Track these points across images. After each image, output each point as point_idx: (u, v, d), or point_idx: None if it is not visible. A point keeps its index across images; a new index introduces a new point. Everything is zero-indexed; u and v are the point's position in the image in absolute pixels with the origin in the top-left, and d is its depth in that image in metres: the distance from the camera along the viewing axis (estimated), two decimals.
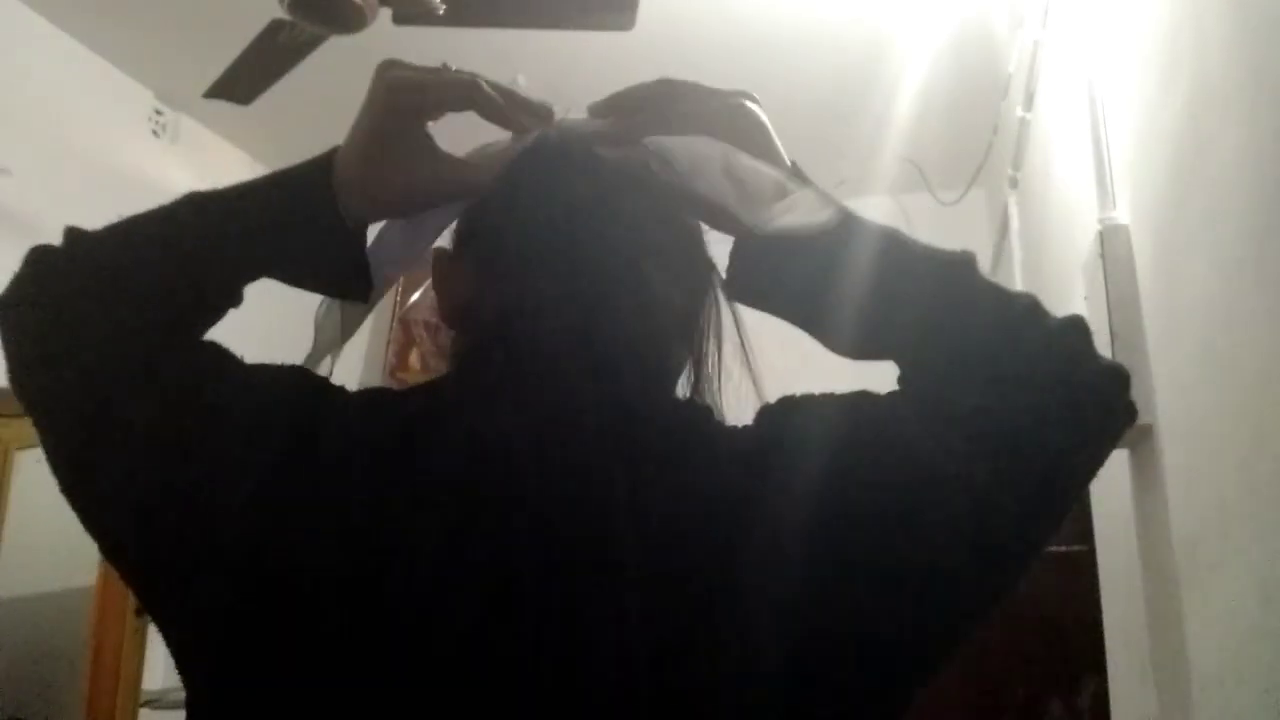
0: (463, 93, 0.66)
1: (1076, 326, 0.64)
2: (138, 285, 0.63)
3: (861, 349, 0.66)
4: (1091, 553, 1.92)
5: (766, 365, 0.72)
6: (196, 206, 0.65)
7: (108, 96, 3.26)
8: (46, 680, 2.73)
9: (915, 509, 0.56)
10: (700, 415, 0.64)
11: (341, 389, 0.62)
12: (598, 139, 0.69)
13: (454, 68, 0.67)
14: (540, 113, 0.69)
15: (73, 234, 0.64)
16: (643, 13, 2.33)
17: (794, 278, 0.65)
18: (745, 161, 0.65)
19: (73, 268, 0.63)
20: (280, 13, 2.17)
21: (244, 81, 2.51)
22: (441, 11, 2.25)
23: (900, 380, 0.65)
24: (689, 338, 0.70)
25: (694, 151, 0.66)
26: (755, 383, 0.70)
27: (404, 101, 0.65)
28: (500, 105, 0.67)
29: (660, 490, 0.57)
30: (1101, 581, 1.90)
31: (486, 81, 0.67)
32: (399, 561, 0.53)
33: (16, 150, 2.84)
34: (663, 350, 0.66)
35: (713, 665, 0.53)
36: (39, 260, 0.63)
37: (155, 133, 3.41)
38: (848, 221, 0.65)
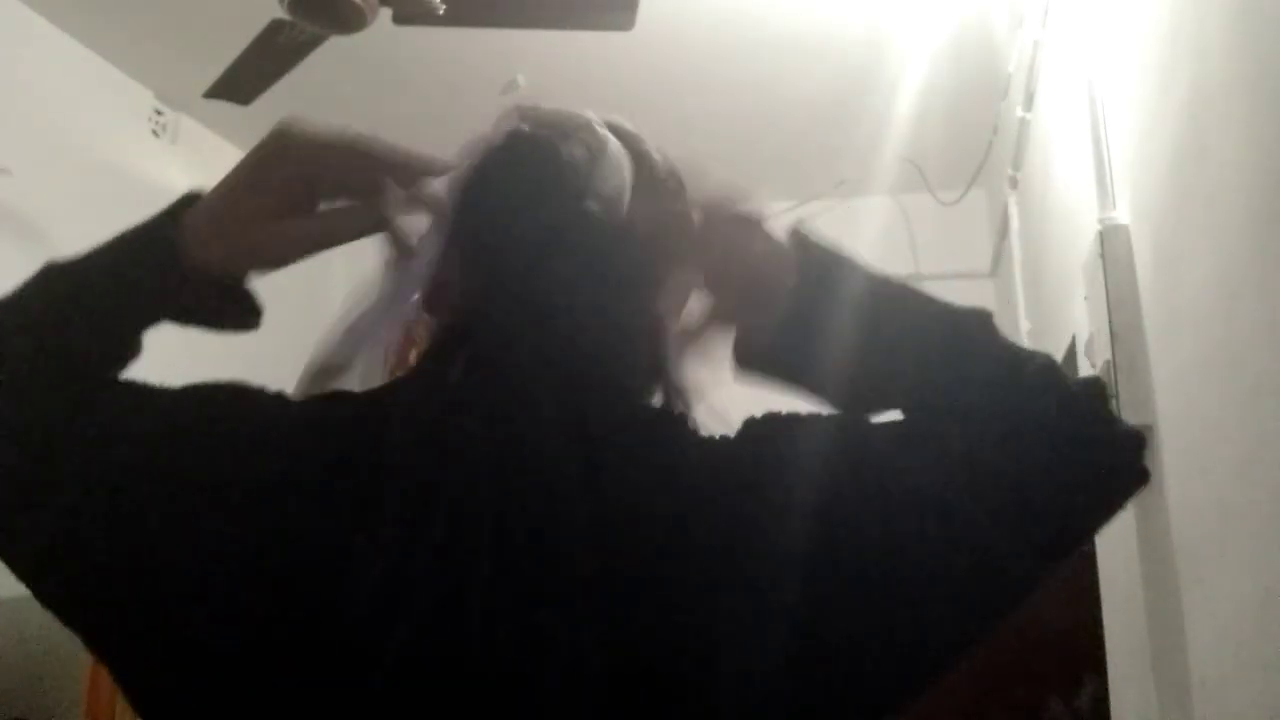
0: (369, 185, 0.65)
1: (1094, 388, 0.63)
2: (17, 365, 0.61)
3: (866, 404, 0.66)
4: (1091, 553, 1.92)
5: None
6: (64, 281, 0.64)
7: (108, 96, 3.25)
8: (46, 680, 2.73)
9: (902, 540, 0.55)
10: (670, 422, 0.63)
11: (281, 395, 0.61)
12: (570, 135, 0.66)
13: (350, 127, 0.67)
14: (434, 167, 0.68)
15: None
16: (643, 13, 2.33)
17: (798, 348, 0.65)
18: None
19: None
20: (280, 13, 2.17)
21: (244, 81, 2.50)
22: (441, 11, 2.25)
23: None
24: (659, 344, 0.68)
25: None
26: (715, 390, 0.69)
27: (316, 184, 0.65)
28: (410, 178, 0.66)
29: (620, 495, 0.56)
30: (1101, 581, 1.90)
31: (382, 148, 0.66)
32: (352, 566, 0.53)
33: (16, 150, 2.84)
34: (628, 355, 0.65)
35: (667, 674, 0.52)
36: None
37: (155, 133, 3.41)
38: (860, 279, 0.65)
